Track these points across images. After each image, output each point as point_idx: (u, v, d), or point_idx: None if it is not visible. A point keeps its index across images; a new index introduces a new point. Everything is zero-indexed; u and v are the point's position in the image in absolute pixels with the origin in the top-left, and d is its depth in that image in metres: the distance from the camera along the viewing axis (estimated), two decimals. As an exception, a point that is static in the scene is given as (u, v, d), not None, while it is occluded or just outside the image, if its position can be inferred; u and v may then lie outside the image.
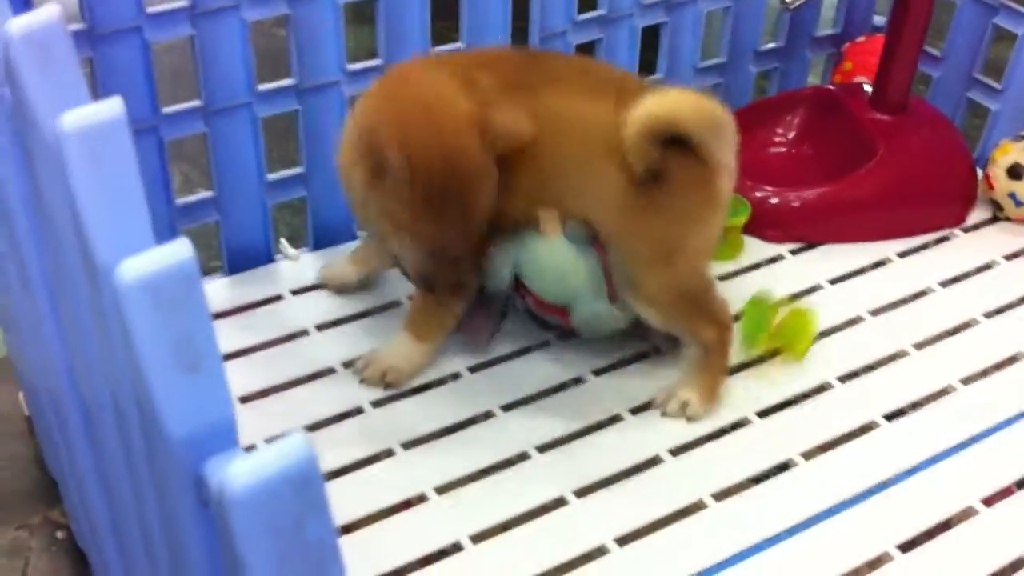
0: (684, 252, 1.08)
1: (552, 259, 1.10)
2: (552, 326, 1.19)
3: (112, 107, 0.45)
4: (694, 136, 1.01)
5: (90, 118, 0.45)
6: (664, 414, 1.13)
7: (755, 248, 1.36)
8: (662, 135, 1.00)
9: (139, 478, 0.54)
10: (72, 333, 0.63)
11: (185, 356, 0.40)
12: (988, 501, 1.06)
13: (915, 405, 1.16)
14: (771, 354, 1.21)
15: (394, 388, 1.14)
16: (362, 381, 1.15)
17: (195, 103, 1.19)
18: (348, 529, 1.01)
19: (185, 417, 0.41)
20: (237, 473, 0.36)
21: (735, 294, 1.28)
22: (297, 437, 0.36)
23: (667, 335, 1.17)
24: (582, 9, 1.35)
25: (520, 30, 1.32)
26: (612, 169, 1.03)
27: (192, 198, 1.25)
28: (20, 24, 0.48)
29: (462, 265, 1.06)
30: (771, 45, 1.53)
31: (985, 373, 1.20)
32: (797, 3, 1.25)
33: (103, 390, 0.57)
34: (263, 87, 1.21)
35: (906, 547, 1.01)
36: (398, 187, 0.99)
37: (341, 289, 1.26)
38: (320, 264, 1.29)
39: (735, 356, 1.18)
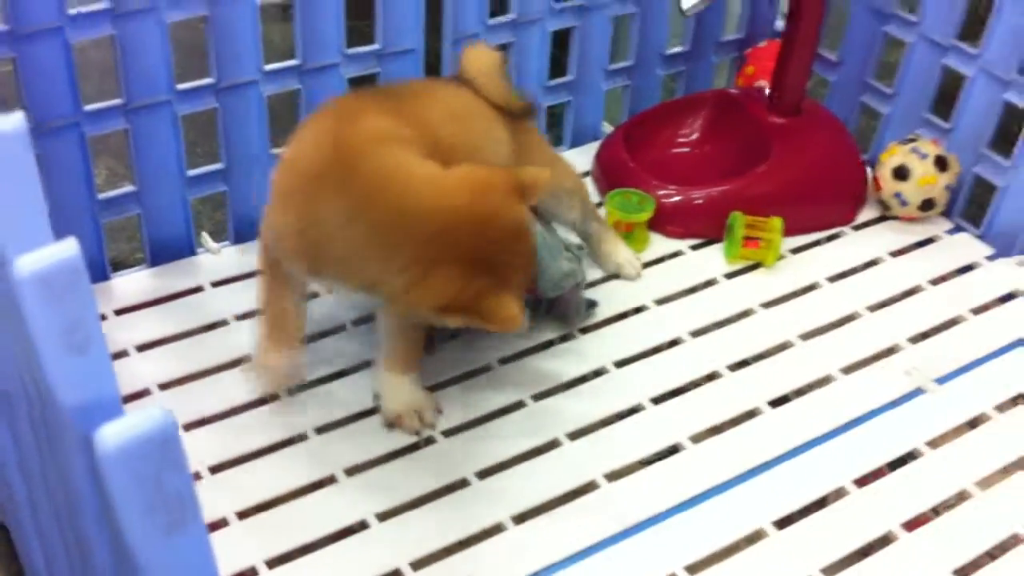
0: (558, 160, 1.31)
1: None
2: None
3: (13, 120, 0.51)
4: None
5: (-8, 126, 0.51)
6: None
7: (658, 243, 1.43)
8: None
9: (42, 447, 0.61)
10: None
11: (74, 340, 0.46)
12: (860, 482, 1.14)
13: (798, 392, 1.24)
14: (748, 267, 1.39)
15: (431, 428, 1.16)
16: (415, 433, 1.15)
17: (116, 100, 1.23)
18: (262, 508, 1.07)
19: (75, 392, 0.46)
20: (107, 435, 0.42)
21: (640, 285, 1.35)
22: (157, 407, 0.43)
23: (576, 307, 1.25)
24: (494, 13, 1.41)
25: (432, 28, 1.38)
26: (495, 132, 1.17)
27: (114, 192, 1.29)
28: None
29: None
30: (678, 49, 1.60)
31: (864, 363, 1.28)
32: (693, 10, 1.32)
33: (15, 376, 0.62)
34: (182, 86, 1.26)
35: (782, 524, 1.09)
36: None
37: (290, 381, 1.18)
38: (239, 258, 1.34)
39: (628, 345, 1.26)
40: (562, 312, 1.27)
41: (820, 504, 1.12)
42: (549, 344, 1.27)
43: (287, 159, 1.07)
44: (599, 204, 1.43)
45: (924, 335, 1.32)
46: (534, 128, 1.30)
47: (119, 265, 1.35)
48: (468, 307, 0.97)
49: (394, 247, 0.97)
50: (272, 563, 1.01)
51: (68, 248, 0.47)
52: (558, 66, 1.51)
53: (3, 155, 0.50)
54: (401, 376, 1.15)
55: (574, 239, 1.33)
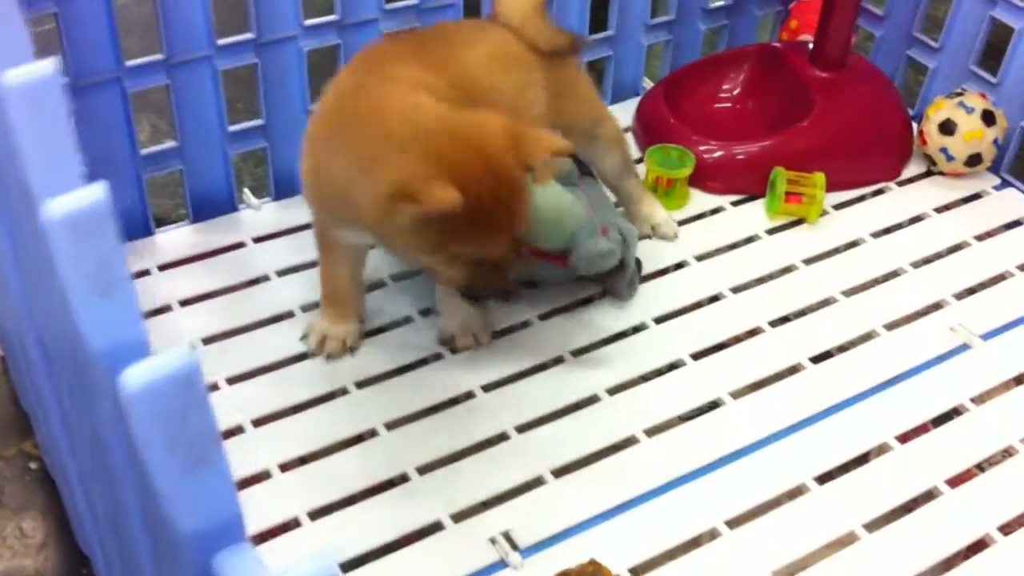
0: (601, 106, 1.31)
1: (548, 204, 1.15)
2: (526, 282, 1.25)
3: (47, 66, 0.51)
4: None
5: (28, 75, 0.51)
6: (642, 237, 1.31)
7: (699, 199, 1.42)
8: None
9: (75, 393, 0.61)
10: (27, 275, 0.69)
11: (100, 281, 0.46)
12: (903, 438, 1.13)
13: (841, 348, 1.23)
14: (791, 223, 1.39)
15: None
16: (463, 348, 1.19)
17: (157, 56, 1.23)
18: (303, 461, 1.08)
19: (102, 334, 0.47)
20: (132, 376, 0.43)
21: (681, 241, 1.35)
22: (182, 349, 0.43)
23: (629, 280, 1.24)
24: (534, -33, 1.39)
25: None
26: (532, 76, 1.15)
27: (157, 148, 1.30)
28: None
29: (509, 272, 1.04)
30: (720, 2, 1.58)
31: (909, 319, 1.27)
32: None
33: (51, 322, 0.63)
34: (223, 41, 1.26)
35: (823, 479, 1.08)
36: (447, 221, 0.93)
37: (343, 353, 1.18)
38: (279, 214, 1.35)
39: (668, 302, 1.25)
40: (612, 286, 1.26)
41: (862, 460, 1.11)
42: (588, 300, 1.26)
43: (316, 109, 1.09)
44: (639, 160, 1.42)
45: (970, 291, 1.31)
46: (576, 66, 1.25)
47: (162, 221, 1.36)
48: (411, 195, 0.92)
49: (370, 169, 0.96)
50: (314, 515, 1.02)
51: (96, 191, 0.47)
52: (598, 20, 1.50)
53: (36, 102, 0.51)
54: (456, 296, 1.15)
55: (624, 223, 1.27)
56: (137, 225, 1.31)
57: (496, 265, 1.02)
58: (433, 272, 1.05)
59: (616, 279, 1.24)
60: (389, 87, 1.00)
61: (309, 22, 1.30)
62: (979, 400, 1.17)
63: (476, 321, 1.19)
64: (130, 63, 1.22)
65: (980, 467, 1.10)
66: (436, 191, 0.91)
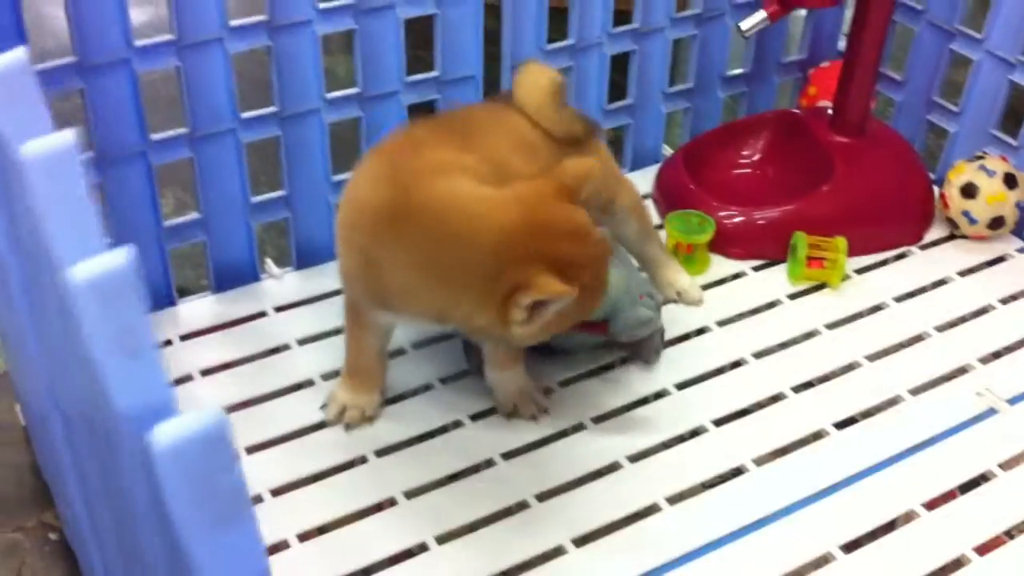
0: (619, 177, 1.31)
1: None
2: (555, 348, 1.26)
3: (65, 137, 0.52)
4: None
5: (47, 146, 0.52)
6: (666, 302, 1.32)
7: (720, 265, 1.42)
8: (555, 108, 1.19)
9: (98, 458, 0.61)
10: (47, 344, 0.70)
11: (126, 343, 0.47)
12: (931, 505, 1.11)
13: (865, 414, 1.22)
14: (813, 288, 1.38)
15: (545, 412, 1.20)
16: (531, 417, 1.19)
17: (182, 130, 1.26)
18: (323, 530, 1.07)
19: (129, 395, 0.47)
20: (161, 434, 0.43)
21: (703, 307, 1.34)
22: (214, 409, 0.43)
23: (655, 346, 1.24)
24: (553, 39, 1.41)
25: (491, 56, 1.39)
26: (551, 164, 1.13)
27: (180, 219, 1.32)
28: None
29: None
30: (739, 71, 1.59)
31: (934, 384, 1.25)
32: (753, 30, 1.31)
33: (72, 391, 0.64)
34: (246, 114, 1.28)
35: (849, 547, 1.07)
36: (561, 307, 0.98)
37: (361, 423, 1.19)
38: (301, 284, 1.36)
39: (690, 367, 1.25)
40: (639, 351, 1.26)
41: (889, 527, 1.09)
42: (610, 367, 1.26)
43: (348, 195, 1.09)
44: (659, 227, 1.42)
45: (996, 355, 1.29)
46: (594, 147, 1.25)
47: (185, 292, 1.37)
48: (523, 287, 0.96)
49: (455, 270, 0.98)
50: (332, 584, 1.02)
51: (120, 256, 0.48)
52: (617, 89, 1.51)
53: (55, 171, 0.52)
54: (511, 370, 1.18)
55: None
56: (160, 296, 1.32)
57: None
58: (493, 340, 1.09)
59: (644, 345, 1.24)
60: (441, 179, 1.01)
61: (331, 95, 1.31)
62: (1007, 466, 1.15)
63: (528, 386, 1.20)
64: (155, 137, 1.24)
65: (1009, 534, 1.08)
66: (549, 284, 0.95)
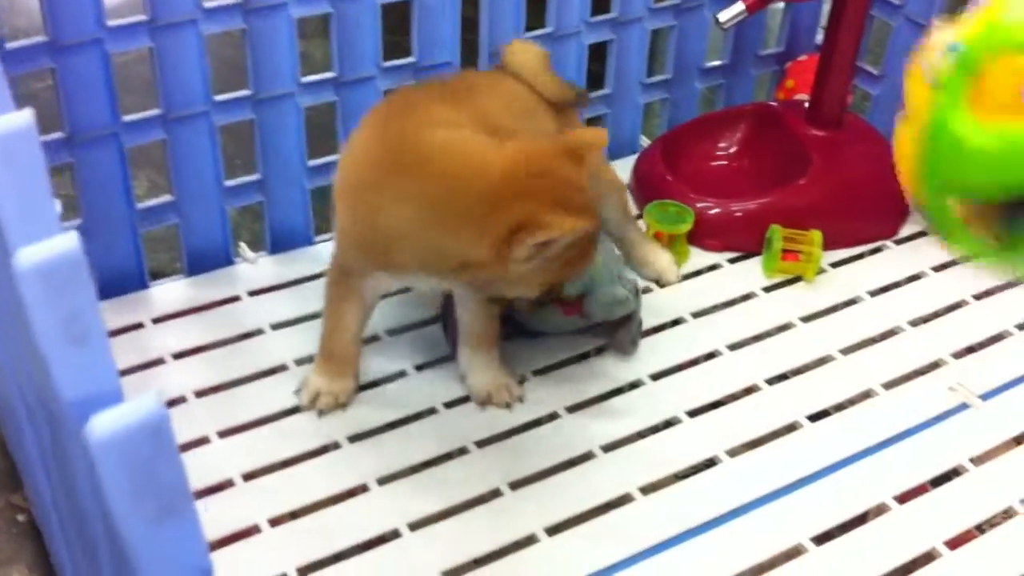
0: (600, 154, 1.31)
1: None
2: (528, 331, 1.25)
3: (23, 117, 0.51)
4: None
5: (5, 124, 0.51)
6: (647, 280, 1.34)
7: (696, 256, 1.42)
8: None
9: (51, 444, 0.60)
10: (5, 324, 0.69)
11: (73, 331, 0.46)
12: (902, 499, 1.11)
13: (838, 407, 1.22)
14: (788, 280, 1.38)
15: (519, 401, 1.19)
16: (505, 406, 1.19)
17: (155, 111, 1.24)
18: (294, 515, 1.06)
19: (74, 384, 0.46)
20: (99, 424, 0.42)
21: (678, 298, 1.34)
22: (150, 396, 0.42)
23: (632, 337, 1.24)
24: (530, 27, 1.41)
25: (468, 43, 1.38)
26: (546, 125, 1.18)
27: (153, 202, 1.30)
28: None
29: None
30: (716, 62, 1.59)
31: (907, 378, 1.25)
32: (730, 23, 1.31)
33: (27, 377, 0.63)
34: (220, 97, 1.26)
35: (821, 539, 1.07)
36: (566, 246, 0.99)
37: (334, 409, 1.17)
38: (275, 268, 1.35)
39: (665, 358, 1.25)
40: (617, 340, 1.25)
41: (861, 520, 1.09)
42: (584, 356, 1.26)
43: (345, 159, 1.10)
44: (637, 216, 1.42)
45: (969, 350, 1.30)
46: (578, 117, 1.29)
47: (158, 275, 1.36)
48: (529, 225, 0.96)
49: (457, 205, 0.98)
50: (303, 571, 1.01)
51: (68, 241, 0.47)
52: (595, 79, 1.51)
53: (12, 152, 0.51)
54: (485, 354, 1.17)
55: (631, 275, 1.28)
56: (132, 279, 1.30)
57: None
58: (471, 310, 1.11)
59: (622, 332, 1.24)
60: (440, 129, 1.02)
61: (307, 79, 1.30)
62: (979, 461, 1.15)
63: (503, 375, 1.19)
64: (127, 118, 1.23)
65: (980, 528, 1.09)
66: (559, 220, 0.95)
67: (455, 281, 1.06)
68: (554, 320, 1.22)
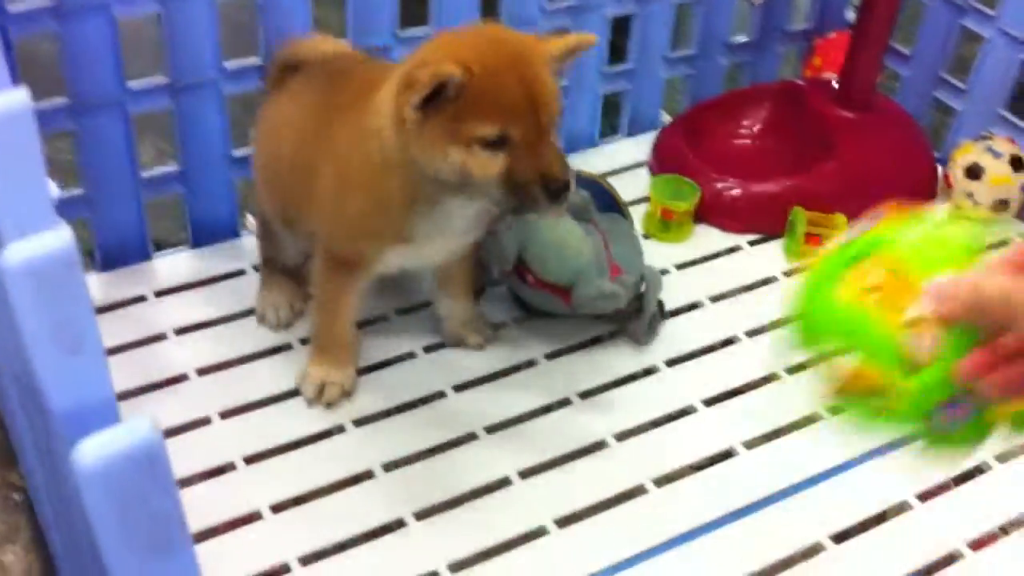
0: None
1: (553, 236, 1.13)
2: (535, 310, 1.22)
3: (17, 96, 0.47)
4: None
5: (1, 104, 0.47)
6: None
7: (714, 238, 1.38)
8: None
9: (42, 449, 0.57)
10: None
11: (65, 338, 0.42)
12: (924, 497, 1.08)
13: (860, 399, 1.18)
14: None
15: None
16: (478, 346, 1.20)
17: (161, 79, 1.20)
18: (298, 501, 1.03)
19: (66, 395, 0.42)
20: (87, 450, 0.38)
21: (695, 281, 1.30)
22: (143, 421, 0.38)
23: (649, 324, 1.20)
24: (552, -3, 1.36)
25: (489, 15, 1.33)
26: None
27: (158, 171, 1.27)
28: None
29: (550, 158, 0.97)
30: (742, 38, 1.54)
31: (931, 370, 1.22)
32: (761, -1, 1.27)
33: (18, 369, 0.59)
34: (230, 64, 1.22)
35: (840, 538, 1.03)
36: (457, 100, 0.93)
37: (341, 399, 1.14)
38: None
39: (681, 344, 1.21)
40: (630, 329, 1.21)
41: (880, 519, 1.06)
42: (597, 340, 1.22)
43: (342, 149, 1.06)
44: (644, 199, 1.38)
45: (996, 342, 1.26)
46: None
47: (161, 245, 1.32)
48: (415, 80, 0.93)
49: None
50: (305, 560, 0.98)
51: (61, 237, 0.43)
52: (617, 52, 1.46)
53: (5, 135, 0.46)
54: (459, 299, 1.17)
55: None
56: (135, 249, 1.27)
57: (531, 150, 0.95)
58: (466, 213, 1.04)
59: (635, 322, 1.20)
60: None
61: (319, 47, 1.26)
62: (1003, 458, 1.12)
63: (476, 317, 1.19)
64: (134, 85, 1.19)
65: (1004, 529, 1.05)
66: (434, 68, 0.91)
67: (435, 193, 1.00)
68: (553, 304, 1.19)
